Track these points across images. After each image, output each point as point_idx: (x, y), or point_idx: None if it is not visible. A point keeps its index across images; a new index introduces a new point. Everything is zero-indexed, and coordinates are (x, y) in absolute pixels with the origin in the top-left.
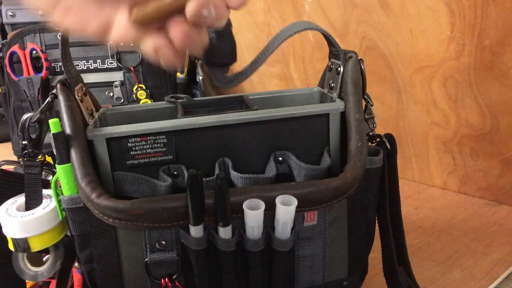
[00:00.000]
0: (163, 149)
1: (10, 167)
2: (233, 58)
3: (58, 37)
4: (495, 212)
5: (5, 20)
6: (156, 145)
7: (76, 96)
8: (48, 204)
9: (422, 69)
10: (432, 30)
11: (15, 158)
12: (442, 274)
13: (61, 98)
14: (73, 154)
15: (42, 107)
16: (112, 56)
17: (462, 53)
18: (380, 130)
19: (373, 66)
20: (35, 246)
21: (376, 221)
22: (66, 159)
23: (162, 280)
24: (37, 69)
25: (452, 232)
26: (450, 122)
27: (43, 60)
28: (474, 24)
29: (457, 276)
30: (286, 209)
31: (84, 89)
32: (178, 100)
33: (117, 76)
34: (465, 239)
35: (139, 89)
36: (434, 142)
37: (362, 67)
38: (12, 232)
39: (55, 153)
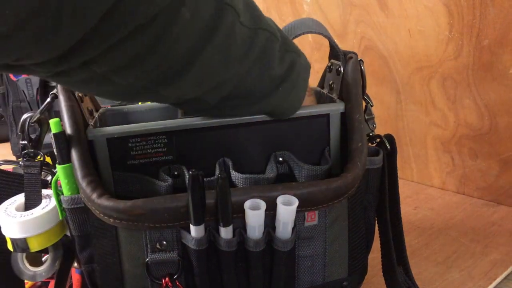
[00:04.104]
0: (163, 149)
1: (9, 167)
2: None
3: None
4: (494, 213)
5: None
6: (156, 145)
7: (76, 96)
8: (47, 204)
9: (421, 69)
10: (430, 30)
11: (14, 158)
12: (440, 274)
13: (61, 98)
14: (74, 154)
15: (42, 107)
16: None
17: (461, 53)
18: (379, 130)
19: (372, 66)
20: (34, 246)
21: (376, 221)
22: (66, 159)
23: (163, 280)
24: None
25: (450, 232)
26: (449, 122)
27: None
28: (472, 25)
29: (456, 276)
30: (287, 209)
31: None
32: None
33: None
34: (463, 239)
35: None
36: (433, 142)
37: (362, 67)
38: (11, 232)
39: (55, 153)
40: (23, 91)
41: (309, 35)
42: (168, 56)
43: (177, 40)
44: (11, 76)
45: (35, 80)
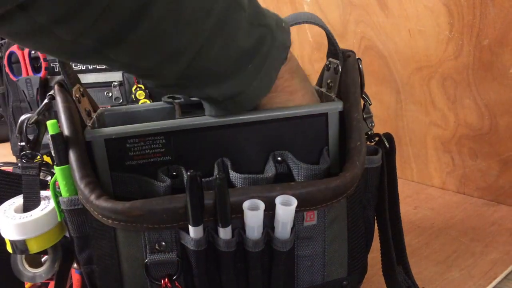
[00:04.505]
0: (161, 150)
1: (8, 168)
2: None
3: None
4: (494, 212)
5: None
6: (154, 145)
7: (74, 97)
8: (46, 205)
9: (421, 69)
10: (430, 30)
11: (14, 158)
12: (441, 274)
13: (58, 99)
14: (72, 155)
15: (39, 108)
16: None
17: (461, 53)
18: (379, 130)
19: (372, 66)
20: (33, 248)
21: (375, 221)
22: (64, 161)
23: (162, 281)
24: (36, 69)
25: (450, 232)
26: (449, 122)
27: (41, 60)
28: (472, 24)
29: (456, 276)
30: (286, 209)
31: (81, 90)
32: (176, 101)
33: (116, 76)
34: (464, 239)
35: (138, 89)
36: (433, 142)
37: (360, 66)
38: (9, 234)
39: (53, 154)
40: (23, 91)
41: (309, 35)
42: (109, 8)
43: None
44: (11, 76)
45: (35, 80)
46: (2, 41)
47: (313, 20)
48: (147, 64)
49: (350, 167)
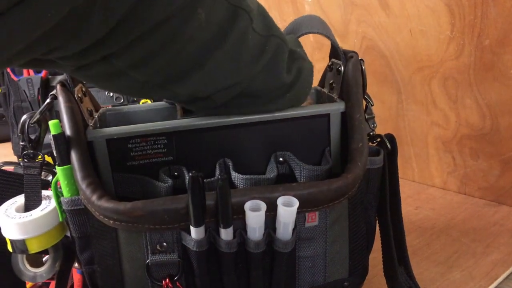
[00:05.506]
0: (163, 150)
1: (9, 168)
2: None
3: None
4: (495, 213)
5: None
6: (156, 146)
7: (76, 97)
8: (47, 205)
9: (422, 69)
10: (432, 30)
11: (15, 158)
12: (441, 274)
13: (61, 99)
14: (74, 156)
15: (41, 108)
16: None
17: (462, 53)
18: (380, 130)
19: (373, 66)
20: (33, 248)
21: (377, 222)
22: (66, 161)
23: (163, 282)
24: None
25: (452, 232)
26: (450, 122)
27: None
28: (474, 24)
29: (457, 276)
30: (287, 210)
31: (83, 89)
32: None
33: None
34: (465, 239)
35: None
36: (434, 142)
37: (363, 67)
38: (10, 233)
39: (55, 154)
40: (24, 91)
41: (310, 34)
42: (180, 54)
43: (190, 39)
44: (12, 76)
45: (36, 80)
46: None
47: (317, 30)
48: (203, 95)
49: (352, 168)
